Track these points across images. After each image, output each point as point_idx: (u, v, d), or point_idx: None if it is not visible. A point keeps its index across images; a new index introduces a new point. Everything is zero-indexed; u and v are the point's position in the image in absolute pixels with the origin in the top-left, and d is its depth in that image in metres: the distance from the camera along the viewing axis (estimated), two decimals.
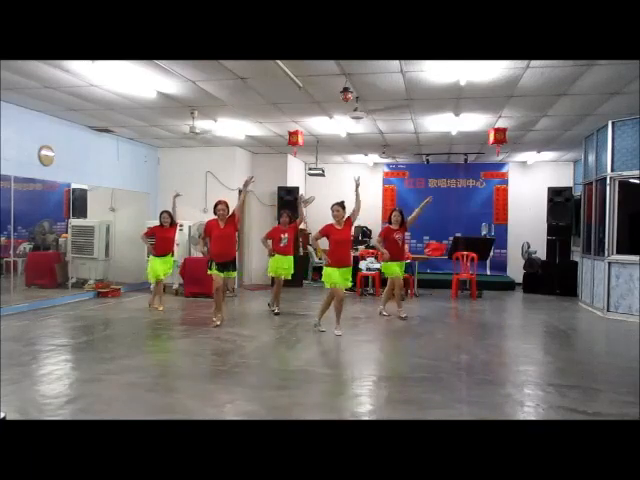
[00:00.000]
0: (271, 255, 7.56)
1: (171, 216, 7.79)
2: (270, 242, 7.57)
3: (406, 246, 7.60)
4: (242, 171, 11.07)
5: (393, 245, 7.20)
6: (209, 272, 6.47)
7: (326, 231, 6.25)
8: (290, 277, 7.82)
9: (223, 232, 6.42)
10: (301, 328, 6.63)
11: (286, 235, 7.49)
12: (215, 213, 6.53)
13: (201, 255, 7.55)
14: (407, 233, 7.88)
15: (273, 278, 7.72)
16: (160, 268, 7.65)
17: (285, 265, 7.54)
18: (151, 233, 7.89)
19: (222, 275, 6.45)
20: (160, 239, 7.69)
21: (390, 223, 7.42)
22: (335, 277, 6.08)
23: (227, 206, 6.54)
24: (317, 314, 6.45)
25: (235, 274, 6.55)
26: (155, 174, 10.79)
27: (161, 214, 7.84)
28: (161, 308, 7.73)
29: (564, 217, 10.43)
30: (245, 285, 11.06)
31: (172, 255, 7.86)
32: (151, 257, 7.79)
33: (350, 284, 6.29)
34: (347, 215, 6.25)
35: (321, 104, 7.21)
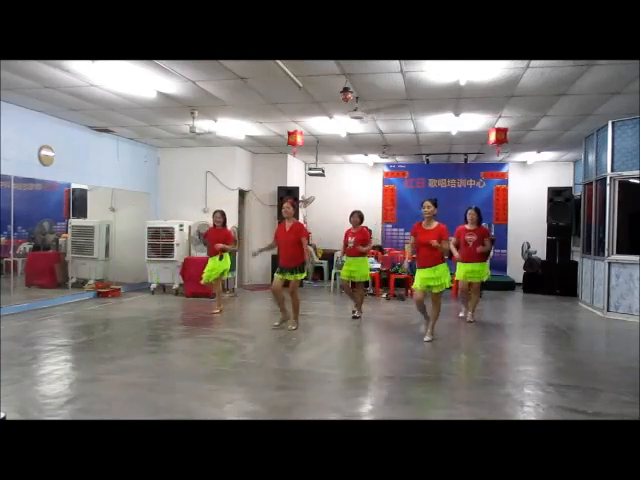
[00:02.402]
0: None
1: (224, 216, 7.60)
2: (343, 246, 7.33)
3: (480, 248, 6.91)
4: (242, 171, 11.08)
5: (463, 247, 6.88)
6: (277, 275, 6.39)
7: (414, 231, 5.96)
8: (365, 279, 7.48)
9: (288, 236, 6.30)
10: (301, 328, 6.62)
11: (353, 238, 7.12)
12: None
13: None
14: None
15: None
16: (213, 268, 7.40)
17: (352, 267, 7.09)
18: (205, 237, 7.73)
19: (280, 277, 6.30)
20: (213, 241, 7.46)
21: (466, 223, 7.07)
22: (418, 280, 5.80)
23: (292, 205, 6.48)
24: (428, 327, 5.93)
25: (299, 276, 6.31)
26: (155, 174, 10.80)
27: (214, 214, 7.61)
28: (216, 310, 7.48)
29: (564, 217, 10.43)
30: (245, 285, 11.06)
31: (221, 258, 7.40)
32: (209, 259, 7.56)
33: (441, 283, 5.72)
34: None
35: (321, 104, 7.20)
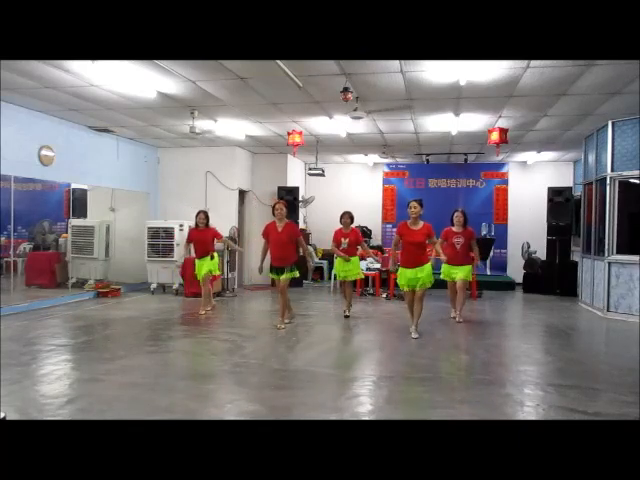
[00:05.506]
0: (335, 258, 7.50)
1: (207, 217, 7.50)
2: (334, 246, 7.44)
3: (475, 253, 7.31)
4: (242, 171, 11.08)
5: (451, 249, 6.99)
6: (269, 275, 6.65)
7: (400, 231, 6.11)
8: (360, 277, 7.77)
9: (280, 237, 6.33)
10: (301, 328, 6.62)
11: (347, 239, 7.26)
12: (273, 214, 6.48)
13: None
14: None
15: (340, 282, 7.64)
16: (203, 268, 7.36)
17: (348, 267, 7.29)
18: (190, 240, 7.51)
19: (276, 277, 6.47)
20: (197, 242, 7.38)
21: (452, 225, 7.23)
22: (403, 279, 6.03)
23: (285, 206, 6.54)
24: (410, 321, 6.20)
25: (292, 274, 6.42)
26: (155, 174, 10.80)
27: (197, 214, 7.49)
28: (202, 313, 7.35)
29: (564, 217, 10.42)
30: (245, 285, 11.06)
31: (212, 257, 7.43)
32: (196, 260, 7.49)
33: (424, 282, 5.92)
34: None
35: (321, 104, 7.21)
